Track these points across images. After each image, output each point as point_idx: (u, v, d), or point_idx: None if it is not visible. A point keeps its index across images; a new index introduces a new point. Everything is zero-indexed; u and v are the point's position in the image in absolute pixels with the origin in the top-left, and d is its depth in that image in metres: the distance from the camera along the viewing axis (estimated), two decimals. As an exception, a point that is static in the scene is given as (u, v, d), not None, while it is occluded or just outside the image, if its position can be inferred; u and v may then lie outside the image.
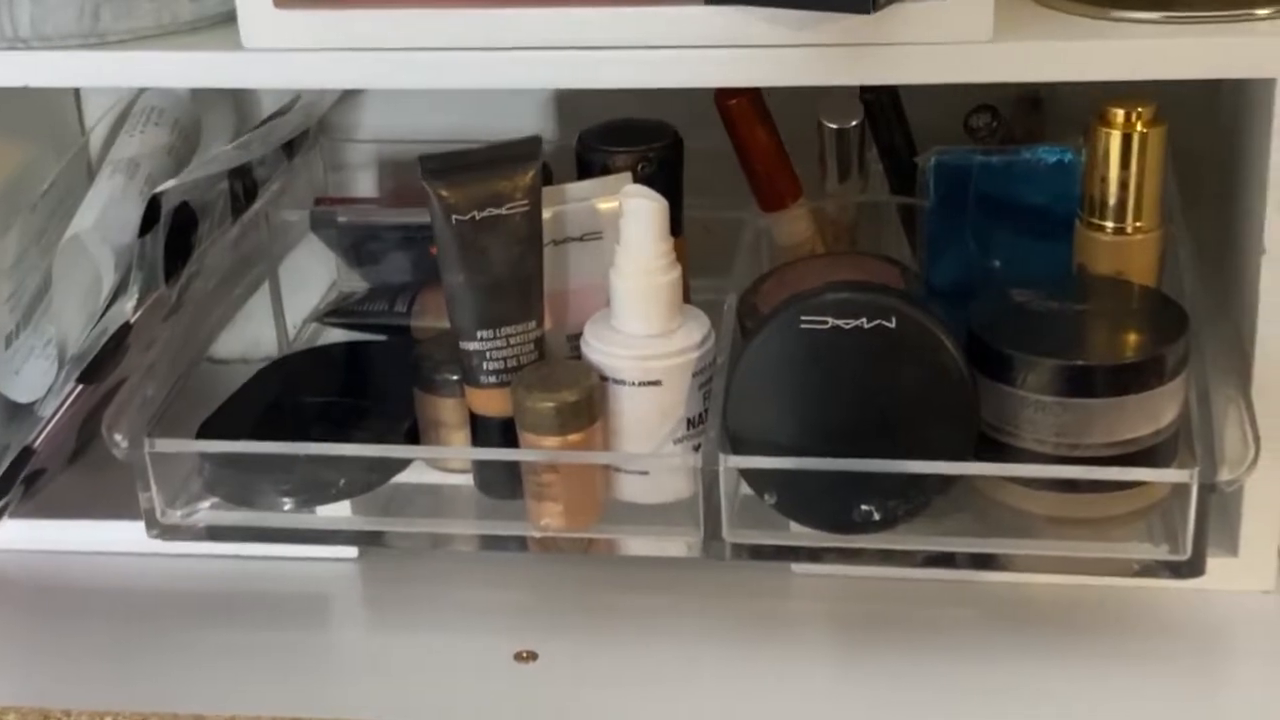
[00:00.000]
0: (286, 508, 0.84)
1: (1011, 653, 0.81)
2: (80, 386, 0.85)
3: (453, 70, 0.80)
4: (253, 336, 1.04)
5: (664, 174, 0.87)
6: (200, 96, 1.00)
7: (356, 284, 1.03)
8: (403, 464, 0.85)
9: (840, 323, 0.76)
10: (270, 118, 0.99)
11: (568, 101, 1.02)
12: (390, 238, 0.97)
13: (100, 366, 0.84)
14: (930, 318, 0.76)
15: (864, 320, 0.76)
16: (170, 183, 0.84)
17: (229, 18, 0.80)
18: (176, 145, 0.96)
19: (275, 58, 0.80)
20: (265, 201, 0.97)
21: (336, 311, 1.00)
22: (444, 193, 0.79)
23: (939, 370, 0.76)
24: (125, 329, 0.83)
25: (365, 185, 1.08)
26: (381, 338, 0.97)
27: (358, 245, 0.99)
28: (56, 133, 1.05)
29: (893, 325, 0.76)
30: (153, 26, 0.82)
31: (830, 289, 0.78)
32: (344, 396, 0.93)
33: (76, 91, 1.06)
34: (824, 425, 0.77)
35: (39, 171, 1.00)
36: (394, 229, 0.97)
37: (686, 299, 0.84)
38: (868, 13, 0.73)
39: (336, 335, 1.00)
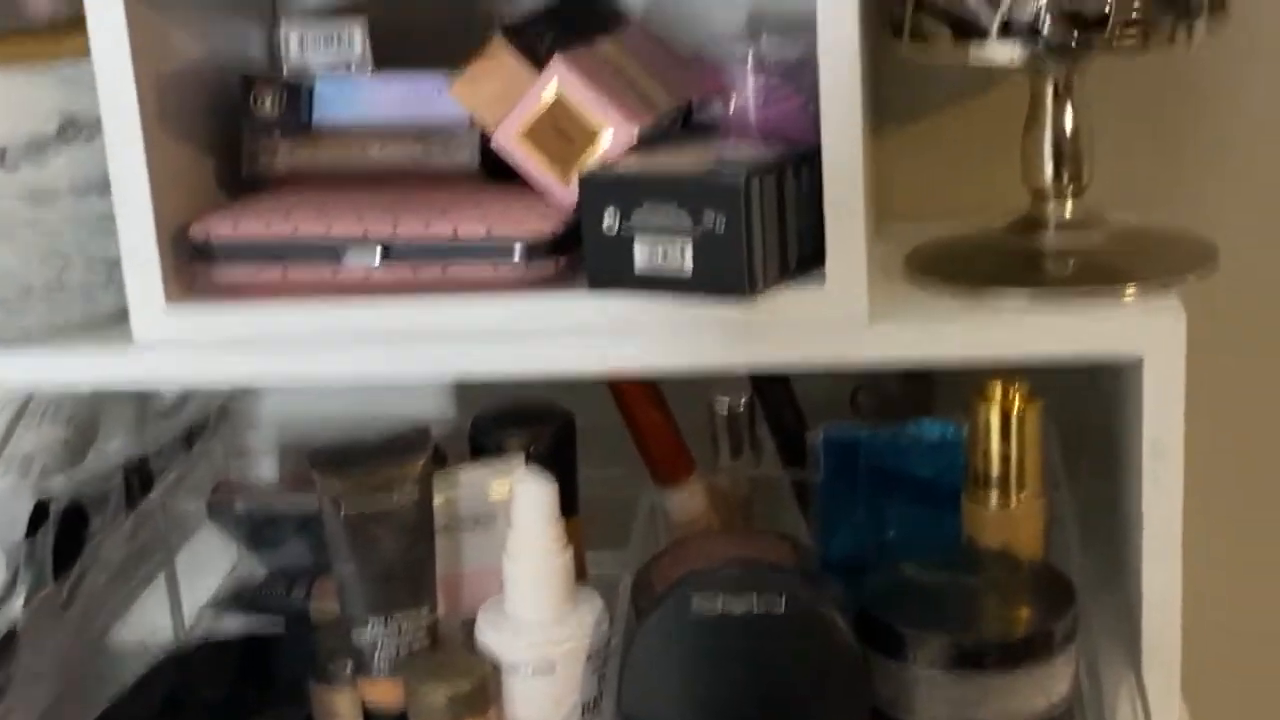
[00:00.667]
0: (176, 812, 0.82)
1: None
2: (-34, 690, 0.83)
3: (345, 364, 0.81)
4: (150, 623, 1.02)
5: (556, 455, 0.88)
6: (97, 387, 1.01)
7: (257, 567, 1.02)
8: (296, 759, 0.84)
9: (731, 604, 0.76)
10: (169, 408, 0.99)
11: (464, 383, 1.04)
12: (288, 523, 0.97)
13: (-14, 669, 0.83)
14: (820, 597, 0.77)
15: (754, 601, 0.76)
16: (58, 483, 0.84)
17: (121, 316, 0.81)
18: (72, 439, 0.95)
19: (167, 355, 0.81)
20: (162, 491, 0.97)
21: (235, 598, 0.99)
22: (333, 485, 0.80)
23: (831, 650, 0.76)
24: (12, 632, 0.82)
25: (268, 468, 1.08)
26: (279, 623, 0.96)
27: (256, 531, 0.98)
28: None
29: (783, 606, 0.76)
30: (44, 326, 0.82)
31: (721, 569, 0.79)
32: (239, 689, 0.91)
33: (-26, 383, 1.06)
34: (718, 707, 0.77)
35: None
36: (292, 515, 0.97)
37: (582, 576, 0.84)
38: (748, 298, 0.76)
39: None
